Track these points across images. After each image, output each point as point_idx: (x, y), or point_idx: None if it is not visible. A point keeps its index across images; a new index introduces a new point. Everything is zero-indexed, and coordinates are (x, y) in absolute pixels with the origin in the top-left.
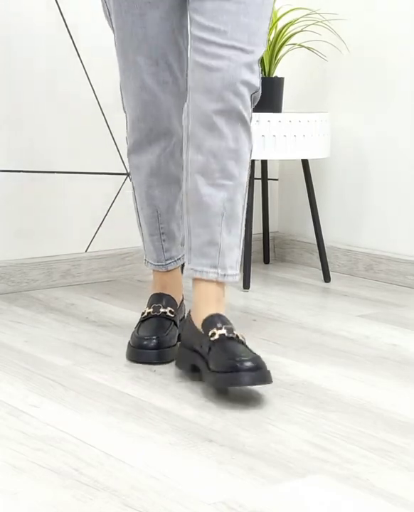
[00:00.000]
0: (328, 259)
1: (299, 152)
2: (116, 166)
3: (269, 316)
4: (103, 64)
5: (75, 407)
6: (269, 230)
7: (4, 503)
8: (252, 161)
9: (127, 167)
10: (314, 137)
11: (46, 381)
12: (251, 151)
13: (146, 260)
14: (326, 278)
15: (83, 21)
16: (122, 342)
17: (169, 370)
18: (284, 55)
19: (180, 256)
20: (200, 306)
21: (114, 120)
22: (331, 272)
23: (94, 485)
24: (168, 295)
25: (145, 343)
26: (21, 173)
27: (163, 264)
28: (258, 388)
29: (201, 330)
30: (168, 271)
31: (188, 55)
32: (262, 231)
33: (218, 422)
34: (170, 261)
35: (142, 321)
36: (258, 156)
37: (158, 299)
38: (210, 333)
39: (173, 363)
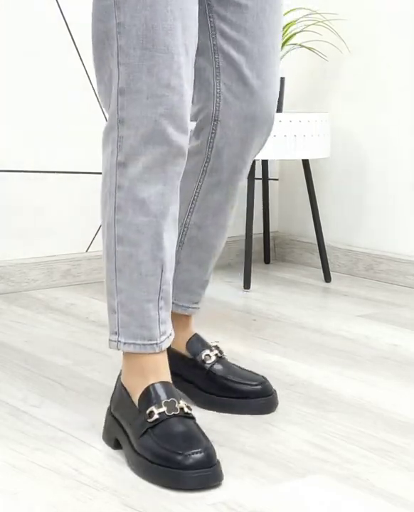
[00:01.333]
0: (328, 259)
1: (299, 152)
2: None
3: (269, 316)
4: None
5: (75, 407)
6: (270, 230)
7: (4, 503)
8: (253, 161)
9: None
10: (314, 137)
11: (46, 381)
12: None
13: (121, 340)
14: (327, 278)
15: (83, 20)
16: None
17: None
18: (284, 55)
19: (172, 331)
20: (177, 333)
21: None
22: (331, 272)
23: (94, 485)
24: (170, 383)
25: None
26: (21, 173)
27: (157, 342)
28: None
29: (187, 354)
30: (162, 351)
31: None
32: (262, 231)
33: (218, 422)
34: (164, 337)
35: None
36: (258, 156)
37: (166, 390)
38: (204, 355)
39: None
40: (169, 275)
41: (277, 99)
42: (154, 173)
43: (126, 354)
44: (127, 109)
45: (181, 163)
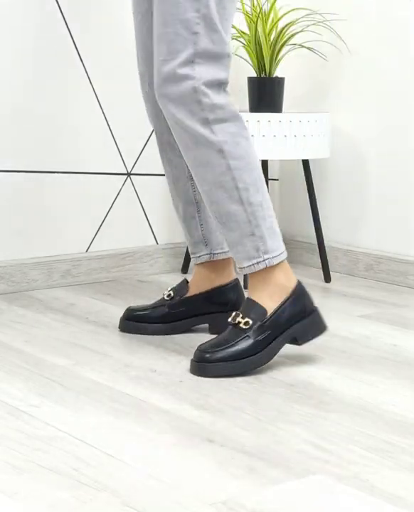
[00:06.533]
0: (328, 259)
1: (299, 152)
2: (116, 166)
3: None
4: (104, 63)
5: (75, 407)
6: None
7: (4, 503)
8: None
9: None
10: (314, 137)
11: (46, 381)
12: (222, 150)
13: None
14: (327, 278)
15: (84, 21)
16: (122, 342)
17: (170, 370)
18: (284, 55)
19: (199, 254)
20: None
21: (114, 120)
22: (331, 272)
23: (94, 485)
24: (186, 283)
25: (125, 313)
26: (21, 173)
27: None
28: (257, 387)
29: None
30: (195, 263)
31: None
32: None
33: (218, 422)
34: (192, 256)
35: None
36: (258, 156)
37: (178, 283)
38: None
39: (173, 361)
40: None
41: (163, 87)
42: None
43: None
44: None
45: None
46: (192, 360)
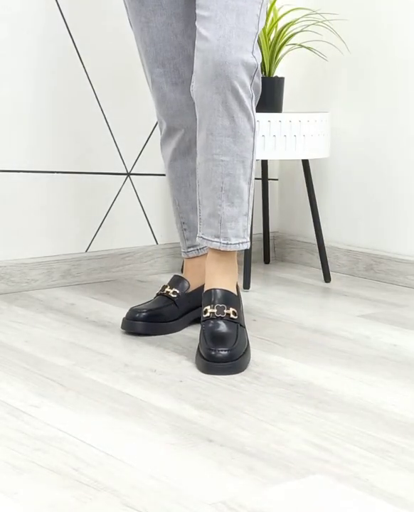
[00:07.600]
0: (328, 259)
1: (299, 152)
2: (116, 166)
3: (269, 316)
4: (104, 63)
5: (75, 407)
6: (270, 230)
7: (4, 503)
8: None
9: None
10: (314, 137)
11: (46, 381)
12: (253, 129)
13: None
14: (326, 278)
15: (83, 21)
16: (122, 342)
17: (170, 370)
18: (284, 55)
19: (202, 246)
20: (207, 276)
21: (114, 120)
22: (331, 272)
23: (94, 485)
24: (183, 278)
25: (136, 315)
26: (21, 173)
27: (185, 251)
28: (257, 387)
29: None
30: (189, 257)
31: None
32: (262, 231)
33: (218, 422)
34: (191, 249)
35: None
36: (258, 156)
37: (172, 280)
38: (204, 310)
39: (173, 361)
40: (184, 208)
41: (231, 54)
42: (164, 139)
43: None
44: None
45: (176, 138)
46: (214, 363)
